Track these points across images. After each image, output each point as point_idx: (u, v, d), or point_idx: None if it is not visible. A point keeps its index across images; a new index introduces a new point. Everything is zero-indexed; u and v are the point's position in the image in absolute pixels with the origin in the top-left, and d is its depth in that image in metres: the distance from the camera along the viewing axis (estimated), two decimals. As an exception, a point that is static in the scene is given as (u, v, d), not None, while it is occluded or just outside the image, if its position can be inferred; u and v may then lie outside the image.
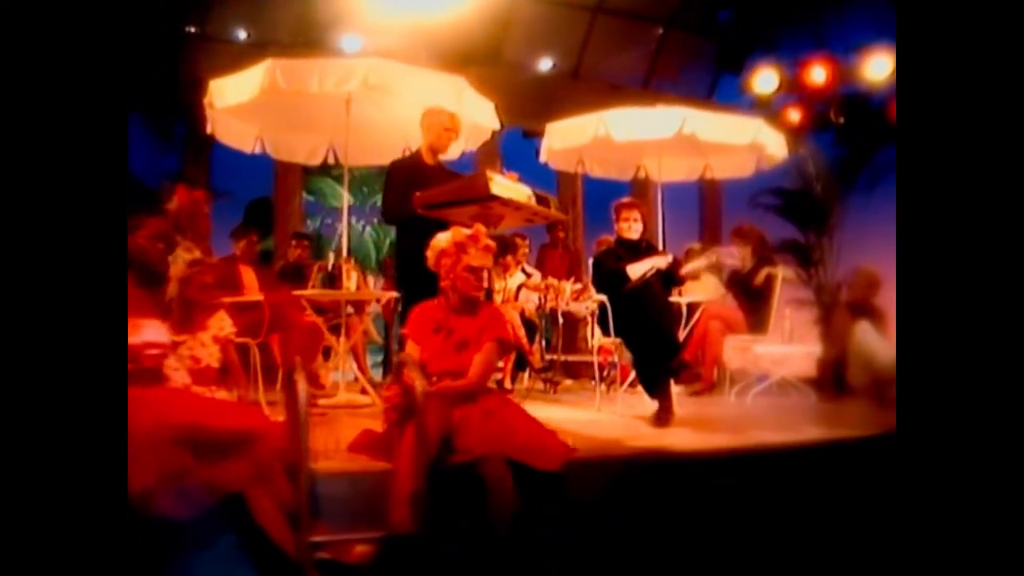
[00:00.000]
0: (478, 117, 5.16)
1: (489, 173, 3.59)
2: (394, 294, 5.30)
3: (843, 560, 3.06)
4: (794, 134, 8.96)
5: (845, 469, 3.29)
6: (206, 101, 4.90)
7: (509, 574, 2.55)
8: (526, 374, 6.70)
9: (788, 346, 5.52)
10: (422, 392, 2.58)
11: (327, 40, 8.77)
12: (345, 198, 5.87)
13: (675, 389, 5.88)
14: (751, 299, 5.91)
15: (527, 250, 6.79)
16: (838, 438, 3.56)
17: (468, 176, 3.70)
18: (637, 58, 10.25)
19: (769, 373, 5.56)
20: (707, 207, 10.57)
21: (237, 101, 4.70)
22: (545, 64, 10.53)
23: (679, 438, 3.53)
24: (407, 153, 5.80)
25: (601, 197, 9.61)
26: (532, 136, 8.69)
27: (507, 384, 6.24)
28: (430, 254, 3.09)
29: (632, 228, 4.49)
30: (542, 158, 6.55)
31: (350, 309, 5.67)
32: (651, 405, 4.11)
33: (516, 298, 6.66)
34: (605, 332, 4.64)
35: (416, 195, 3.72)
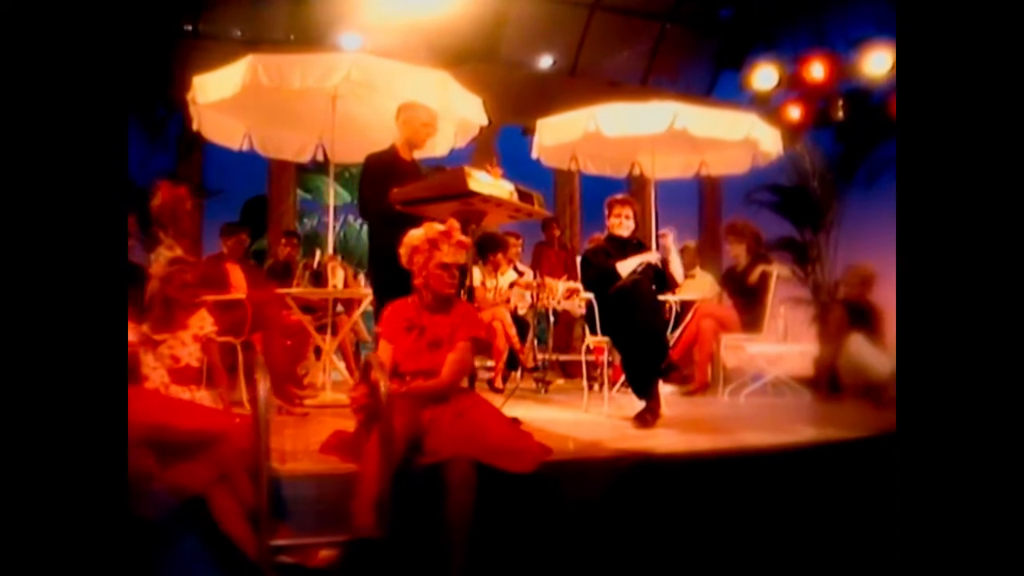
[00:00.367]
0: (465, 112, 5.09)
1: (467, 169, 3.51)
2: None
3: (826, 565, 2.99)
4: (794, 130, 8.90)
5: (832, 472, 3.21)
6: (189, 97, 4.85)
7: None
8: (518, 373, 6.64)
9: (782, 345, 5.44)
10: (386, 393, 2.50)
11: (324, 38, 8.73)
12: (331, 195, 5.80)
13: (668, 389, 5.85)
14: (745, 297, 5.82)
15: (519, 248, 6.71)
16: (826, 440, 3.49)
17: (446, 171, 3.63)
18: (635, 55, 10.18)
19: (763, 372, 5.47)
20: (706, 205, 10.48)
21: (219, 97, 4.64)
22: (546, 62, 10.48)
23: (662, 440, 3.45)
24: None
25: (598, 195, 9.54)
26: (530, 134, 8.62)
27: (498, 383, 6.18)
28: (403, 251, 3.02)
29: (623, 225, 4.42)
30: (534, 154, 6.48)
31: (340, 308, 5.61)
32: (639, 406, 4.03)
33: (508, 297, 6.58)
34: (593, 331, 4.57)
35: (393, 191, 3.65)
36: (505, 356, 6.23)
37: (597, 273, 4.32)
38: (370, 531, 2.44)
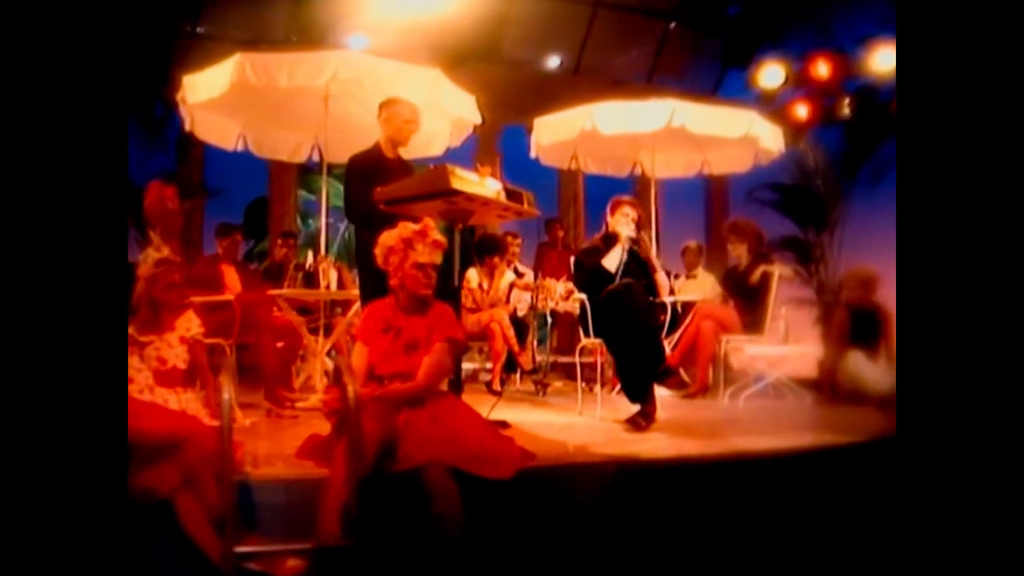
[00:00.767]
0: (458, 110, 5.02)
1: (450, 167, 3.43)
2: None
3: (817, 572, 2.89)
4: (801, 128, 8.79)
5: (825, 478, 3.11)
6: (179, 97, 4.81)
7: None
8: (517, 376, 6.56)
9: (783, 347, 5.32)
10: (354, 397, 2.43)
11: (326, 39, 8.69)
12: (324, 196, 5.74)
13: (668, 392, 5.76)
14: (746, 298, 5.69)
15: (517, 249, 6.63)
16: (820, 445, 3.38)
17: (429, 170, 3.55)
18: (640, 54, 10.08)
19: (764, 375, 5.36)
20: (712, 205, 10.36)
21: (208, 96, 4.61)
22: (553, 62, 10.41)
23: (650, 444, 3.35)
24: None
25: (603, 195, 9.46)
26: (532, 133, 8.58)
27: (496, 386, 6.10)
28: (378, 251, 2.95)
29: (628, 225, 4.33)
30: (532, 153, 6.41)
31: (339, 309, 5.56)
32: (634, 409, 3.95)
33: (508, 299, 6.50)
34: (587, 333, 4.48)
35: (376, 190, 3.58)
36: (503, 358, 6.17)
37: (587, 274, 4.24)
38: (334, 539, 2.37)
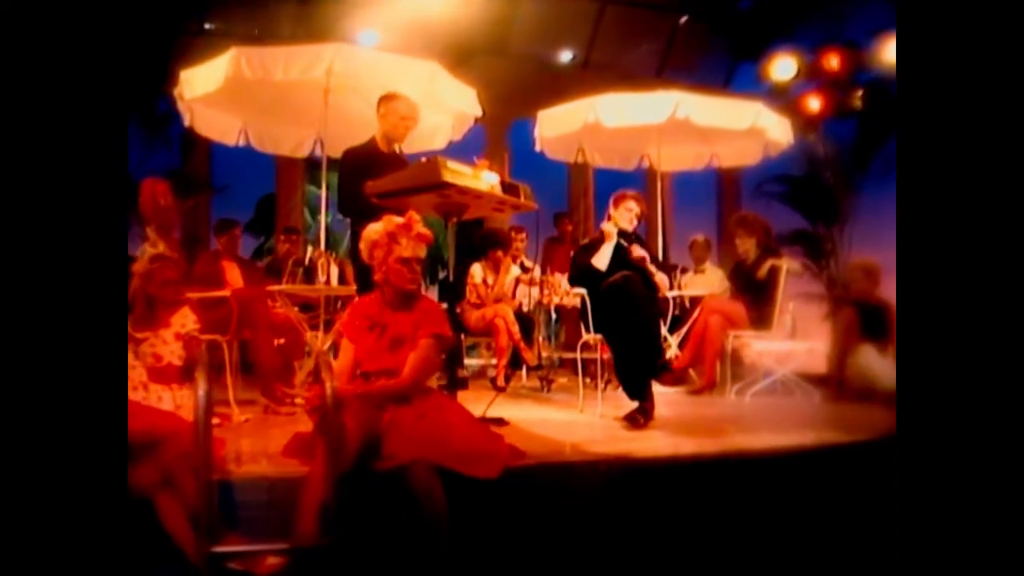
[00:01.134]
0: (457, 104, 4.96)
1: (441, 159, 3.37)
2: None
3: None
4: (813, 121, 8.65)
5: (825, 477, 3.02)
6: (176, 92, 4.79)
7: None
8: (523, 372, 6.50)
9: (790, 342, 5.20)
10: (332, 395, 2.38)
11: (335, 36, 8.65)
12: (324, 190, 5.69)
13: (674, 388, 5.66)
14: (754, 293, 5.59)
15: (522, 244, 6.55)
16: (821, 444, 3.28)
17: (420, 163, 3.49)
18: (650, 48, 9.96)
19: (772, 371, 5.25)
20: (724, 199, 10.23)
21: (205, 91, 4.57)
22: (564, 56, 10.31)
23: (646, 443, 3.27)
24: (398, 148, 5.64)
25: (613, 189, 9.38)
26: (539, 127, 8.49)
27: (500, 382, 6.04)
28: (362, 245, 2.90)
29: (630, 220, 4.26)
30: (536, 147, 6.32)
31: (341, 305, 5.51)
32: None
33: (513, 294, 6.43)
34: (588, 328, 4.41)
35: (367, 184, 3.52)
36: (508, 354, 6.11)
37: (579, 272, 4.18)
38: (311, 539, 2.32)
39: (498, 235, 6.29)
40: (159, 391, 3.34)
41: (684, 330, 5.78)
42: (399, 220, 2.85)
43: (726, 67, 10.23)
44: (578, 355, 4.73)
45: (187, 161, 7.95)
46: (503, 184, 3.73)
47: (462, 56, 9.15)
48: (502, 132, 9.51)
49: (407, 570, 2.47)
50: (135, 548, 2.44)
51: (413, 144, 5.60)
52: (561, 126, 5.75)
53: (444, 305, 6.36)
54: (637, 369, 3.79)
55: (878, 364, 4.66)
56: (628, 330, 3.81)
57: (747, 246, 5.73)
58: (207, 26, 9.31)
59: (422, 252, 2.85)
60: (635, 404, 3.82)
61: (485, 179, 3.60)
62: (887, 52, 7.90)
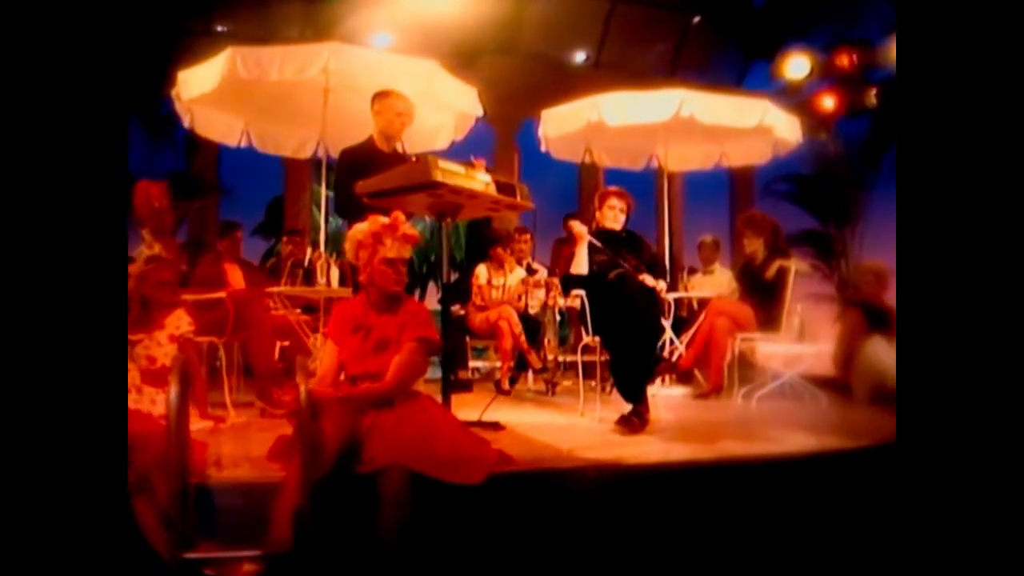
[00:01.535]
0: (457, 103, 4.90)
1: (432, 158, 3.31)
2: None
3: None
4: (827, 119, 8.51)
5: (822, 484, 2.93)
6: (173, 93, 4.77)
7: None
8: (529, 375, 6.42)
9: (797, 345, 5.08)
10: (306, 398, 2.32)
11: (340, 37, 8.63)
12: (324, 191, 5.65)
13: (680, 391, 5.58)
14: (762, 294, 5.47)
15: (526, 245, 6.47)
16: (820, 450, 3.18)
17: (411, 162, 3.43)
18: (662, 47, 9.85)
19: (779, 374, 5.14)
20: (738, 199, 10.08)
21: (201, 91, 4.55)
22: (575, 56, 10.23)
23: (639, 448, 3.18)
24: (400, 147, 5.59)
25: (628, 190, 9.28)
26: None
27: (504, 385, 5.97)
28: (348, 246, 2.86)
29: (616, 218, 4.17)
30: (541, 147, 6.24)
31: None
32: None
33: (518, 296, 6.35)
34: (587, 330, 4.33)
35: (358, 184, 3.47)
36: (513, 357, 6.04)
37: (565, 279, 4.12)
38: (284, 545, 2.26)
39: (494, 233, 6.23)
40: (152, 394, 3.31)
41: (690, 333, 5.68)
42: (384, 220, 2.80)
43: (739, 66, 10.11)
44: (578, 357, 4.66)
45: (193, 163, 7.95)
46: (498, 184, 3.66)
47: (470, 56, 9.11)
48: (511, 132, 9.45)
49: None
50: (135, 548, 2.43)
51: (415, 144, 5.55)
52: (565, 125, 5.67)
53: (457, 307, 6.41)
54: (631, 371, 3.71)
55: (888, 355, 4.54)
56: (622, 331, 3.73)
57: (755, 246, 5.61)
58: (219, 28, 9.34)
59: (407, 253, 2.79)
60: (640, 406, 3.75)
61: (479, 178, 3.54)
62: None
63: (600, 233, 4.20)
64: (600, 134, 6.03)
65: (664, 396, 5.33)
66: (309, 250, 5.16)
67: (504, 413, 4.51)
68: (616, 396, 4.44)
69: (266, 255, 10.26)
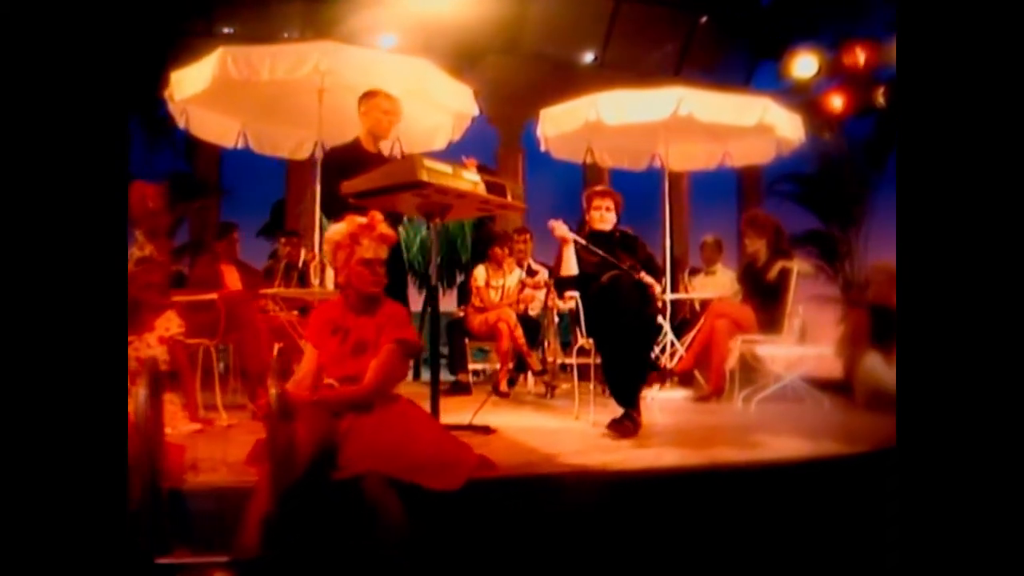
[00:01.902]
0: (451, 103, 4.85)
1: (418, 156, 3.26)
2: None
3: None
4: (835, 119, 8.40)
5: (813, 492, 2.85)
6: (167, 94, 4.74)
7: None
8: (530, 377, 6.37)
9: (799, 347, 4.99)
10: (276, 402, 2.27)
11: (338, 36, 8.61)
12: (317, 192, 5.60)
13: (680, 394, 5.49)
14: (764, 295, 5.39)
15: (525, 245, 6.40)
16: (815, 456, 3.09)
17: (396, 161, 3.39)
18: (667, 46, 9.76)
19: (780, 377, 5.04)
20: (746, 199, 9.97)
21: (193, 91, 4.53)
22: (579, 56, 10.18)
23: (626, 454, 3.10)
24: (397, 147, 5.55)
25: (630, 190, 9.19)
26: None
27: (503, 387, 5.92)
28: (326, 247, 2.81)
29: (605, 218, 4.10)
30: (541, 147, 6.17)
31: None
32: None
33: (518, 298, 6.29)
34: (583, 332, 4.26)
35: (343, 184, 3.42)
36: (511, 359, 5.98)
37: (557, 282, 4.06)
38: (252, 551, 2.21)
39: (492, 233, 6.17)
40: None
41: (691, 335, 5.60)
42: (361, 220, 2.75)
43: (746, 66, 10.01)
44: (574, 359, 4.59)
45: (194, 164, 7.94)
46: (488, 183, 3.61)
47: (473, 56, 9.06)
48: (516, 133, 9.40)
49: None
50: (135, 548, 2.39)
51: (414, 145, 5.52)
52: (563, 124, 5.61)
53: (460, 308, 6.36)
54: (624, 374, 3.64)
55: (884, 372, 4.45)
56: (615, 333, 3.66)
57: (757, 247, 5.53)
58: (224, 30, 9.36)
59: (383, 253, 2.74)
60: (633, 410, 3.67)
61: (466, 178, 3.49)
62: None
63: (591, 235, 4.13)
64: (600, 133, 5.97)
65: (663, 399, 5.24)
66: (303, 251, 5.13)
67: (498, 416, 4.45)
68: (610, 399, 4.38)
69: (271, 256, 10.26)
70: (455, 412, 3.97)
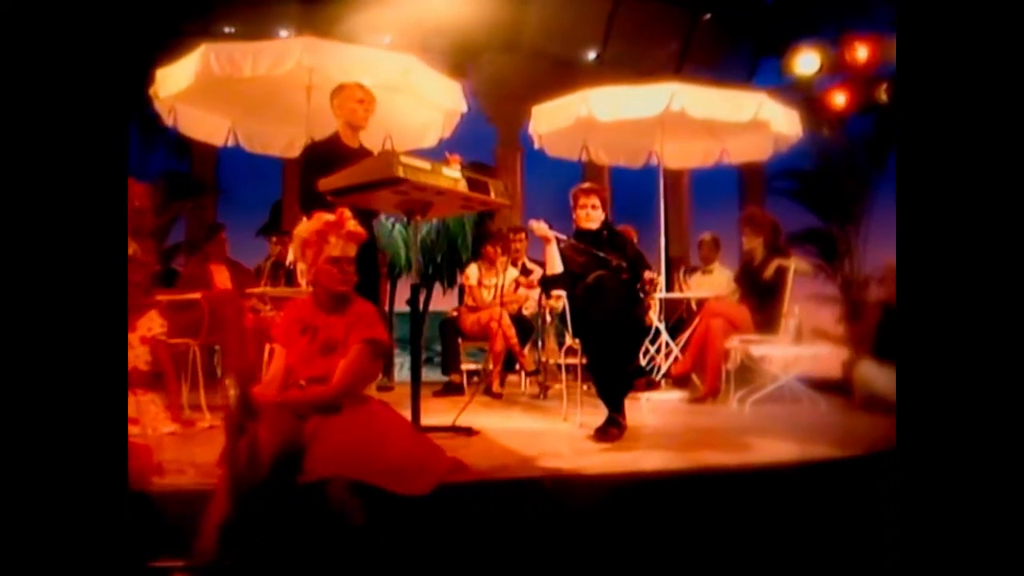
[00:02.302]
0: (440, 99, 4.78)
1: (394, 152, 3.20)
2: None
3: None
4: (839, 116, 8.28)
5: (803, 497, 2.76)
6: (151, 91, 4.69)
7: None
8: (523, 377, 6.29)
9: (795, 347, 4.89)
10: (233, 404, 2.21)
11: (337, 35, 8.56)
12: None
13: (675, 395, 5.40)
14: (760, 295, 5.30)
15: (521, 244, 6.32)
16: (805, 459, 3.01)
17: (373, 157, 3.31)
18: (668, 44, 9.65)
19: (776, 378, 4.95)
20: (748, 197, 9.84)
21: (177, 89, 4.48)
22: (578, 53, 10.08)
23: (604, 458, 3.02)
24: (388, 144, 5.48)
25: (631, 189, 9.08)
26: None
27: (495, 388, 5.85)
28: (294, 244, 2.75)
29: (591, 216, 4.01)
30: (535, 144, 6.09)
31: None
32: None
33: (512, 298, 6.21)
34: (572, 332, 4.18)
35: (320, 181, 3.36)
36: (503, 359, 5.91)
37: (542, 282, 3.99)
38: (208, 556, 2.15)
39: (493, 233, 6.10)
40: (121, 397, 3.21)
41: (686, 335, 5.51)
42: (330, 217, 2.68)
43: (748, 63, 9.88)
44: (562, 360, 4.51)
45: (191, 163, 7.91)
46: (470, 180, 3.53)
47: (471, 54, 8.99)
48: (514, 131, 9.29)
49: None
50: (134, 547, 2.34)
51: (404, 143, 5.46)
52: (555, 121, 5.53)
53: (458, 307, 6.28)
54: (608, 375, 3.55)
55: (880, 379, 4.35)
56: (599, 333, 3.58)
57: (754, 245, 5.44)
58: (225, 29, 9.32)
59: (352, 252, 2.67)
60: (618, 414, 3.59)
61: (447, 174, 3.42)
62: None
63: (578, 234, 4.05)
64: (594, 130, 5.89)
65: (658, 400, 5.16)
66: (290, 250, 5.06)
67: (487, 417, 4.39)
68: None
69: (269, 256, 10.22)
70: (447, 413, 3.90)
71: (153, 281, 4.32)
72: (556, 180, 9.58)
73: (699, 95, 5.06)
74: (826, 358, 5.03)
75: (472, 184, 3.54)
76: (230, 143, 5.62)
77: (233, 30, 9.33)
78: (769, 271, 5.25)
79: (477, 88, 9.16)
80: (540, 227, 3.93)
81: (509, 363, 5.92)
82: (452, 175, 3.43)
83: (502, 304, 5.33)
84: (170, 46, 6.84)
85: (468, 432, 3.64)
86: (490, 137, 9.90)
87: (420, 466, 2.47)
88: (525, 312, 6.24)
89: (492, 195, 3.66)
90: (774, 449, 3.19)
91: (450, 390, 5.96)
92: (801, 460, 2.98)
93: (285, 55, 4.19)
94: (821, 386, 4.98)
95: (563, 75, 9.22)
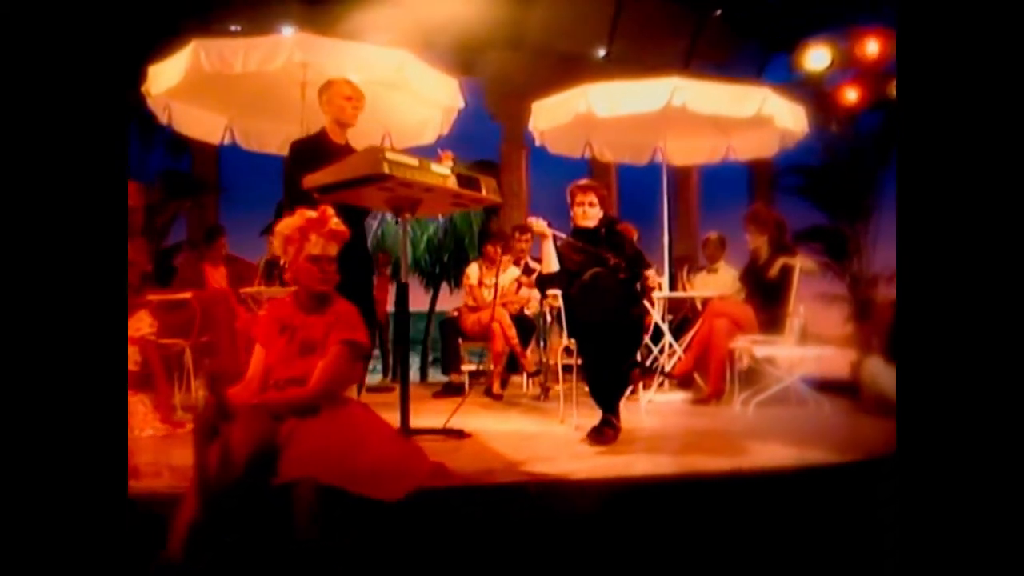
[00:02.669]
0: (437, 95, 4.70)
1: (380, 148, 3.12)
2: None
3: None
4: (850, 112, 8.14)
5: (797, 505, 2.66)
6: (144, 89, 4.64)
7: None
8: (524, 378, 6.20)
9: (799, 348, 4.77)
10: (203, 405, 2.14)
11: (340, 33, 8.50)
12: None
13: (679, 396, 5.30)
14: (765, 294, 5.18)
15: (526, 244, 6.24)
16: (796, 465, 2.90)
17: (360, 153, 3.24)
18: (676, 40, 9.52)
19: (780, 378, 4.83)
20: (757, 195, 9.70)
21: (168, 85, 4.43)
22: (587, 50, 9.97)
23: (597, 461, 2.93)
24: (388, 141, 5.42)
25: (639, 188, 8.97)
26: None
27: (496, 389, 5.77)
28: (276, 241, 2.68)
29: (588, 214, 3.92)
30: (536, 141, 6.00)
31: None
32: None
33: (512, 298, 6.12)
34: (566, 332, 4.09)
35: (306, 177, 3.29)
36: (504, 360, 5.83)
37: (538, 280, 3.90)
38: (175, 559, 2.09)
39: (494, 232, 6.02)
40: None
41: (689, 335, 5.40)
42: (312, 214, 2.61)
43: (758, 59, 9.74)
44: (559, 360, 4.42)
45: (192, 162, 7.87)
46: (460, 177, 3.46)
47: (476, 51, 8.91)
48: (519, 129, 9.18)
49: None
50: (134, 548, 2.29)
51: (403, 140, 5.40)
52: (555, 117, 5.43)
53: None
54: (602, 376, 3.46)
55: (887, 378, 4.23)
56: (596, 334, 3.49)
57: (758, 243, 5.32)
58: (233, 28, 9.30)
59: (333, 250, 2.59)
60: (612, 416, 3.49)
61: (435, 171, 3.34)
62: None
63: (575, 232, 3.96)
64: (597, 127, 5.79)
65: (661, 402, 5.07)
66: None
67: (483, 419, 4.32)
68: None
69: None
70: (445, 414, 3.82)
71: (144, 281, 4.28)
72: (562, 178, 9.48)
73: (701, 90, 4.96)
74: (833, 359, 4.90)
75: (462, 181, 3.46)
76: (227, 140, 5.58)
77: (239, 28, 9.31)
78: (774, 270, 5.13)
79: (482, 85, 9.09)
80: (538, 224, 3.85)
81: (513, 364, 5.83)
82: (441, 172, 3.36)
83: (496, 303, 5.23)
84: (170, 46, 6.83)
85: (459, 435, 3.56)
86: (496, 134, 9.83)
87: (397, 470, 2.40)
88: (527, 312, 6.15)
89: (483, 192, 3.59)
90: (770, 453, 3.09)
91: (450, 390, 5.89)
92: (796, 465, 2.87)
93: (276, 51, 4.13)
94: (829, 387, 4.86)
95: (568, 72, 9.11)
